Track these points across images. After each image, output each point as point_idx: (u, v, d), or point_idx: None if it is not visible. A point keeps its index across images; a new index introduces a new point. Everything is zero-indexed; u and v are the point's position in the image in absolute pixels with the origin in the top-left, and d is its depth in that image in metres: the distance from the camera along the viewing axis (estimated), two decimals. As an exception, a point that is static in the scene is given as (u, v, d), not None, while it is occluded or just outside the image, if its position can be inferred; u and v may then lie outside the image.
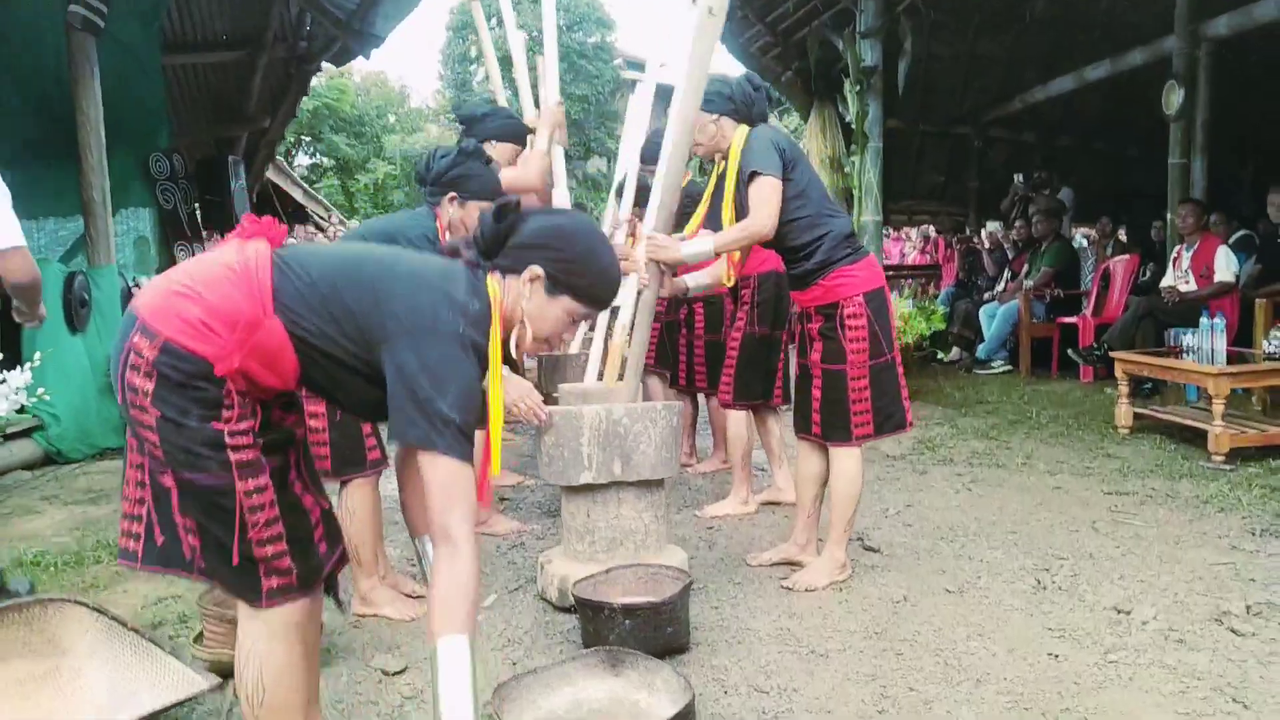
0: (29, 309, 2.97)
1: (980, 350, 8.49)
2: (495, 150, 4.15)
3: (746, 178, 3.13)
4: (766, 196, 3.07)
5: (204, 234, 9.01)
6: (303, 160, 32.91)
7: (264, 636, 1.83)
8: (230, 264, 1.78)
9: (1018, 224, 9.36)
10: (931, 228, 12.54)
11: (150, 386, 1.71)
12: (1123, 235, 9.40)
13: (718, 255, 3.29)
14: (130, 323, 1.75)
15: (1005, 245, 9.60)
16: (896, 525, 3.98)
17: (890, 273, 12.60)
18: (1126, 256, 7.98)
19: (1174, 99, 7.14)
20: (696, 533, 3.99)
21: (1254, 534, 3.66)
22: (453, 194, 3.08)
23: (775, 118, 21.94)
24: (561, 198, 4.44)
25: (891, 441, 5.65)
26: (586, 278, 1.92)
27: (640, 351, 3.32)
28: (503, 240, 1.89)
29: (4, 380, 3.70)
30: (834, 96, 8.53)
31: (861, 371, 3.19)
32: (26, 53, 6.91)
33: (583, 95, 33.78)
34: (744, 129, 3.24)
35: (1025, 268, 8.69)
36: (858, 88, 6.98)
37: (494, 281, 1.87)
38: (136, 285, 7.46)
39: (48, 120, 6.95)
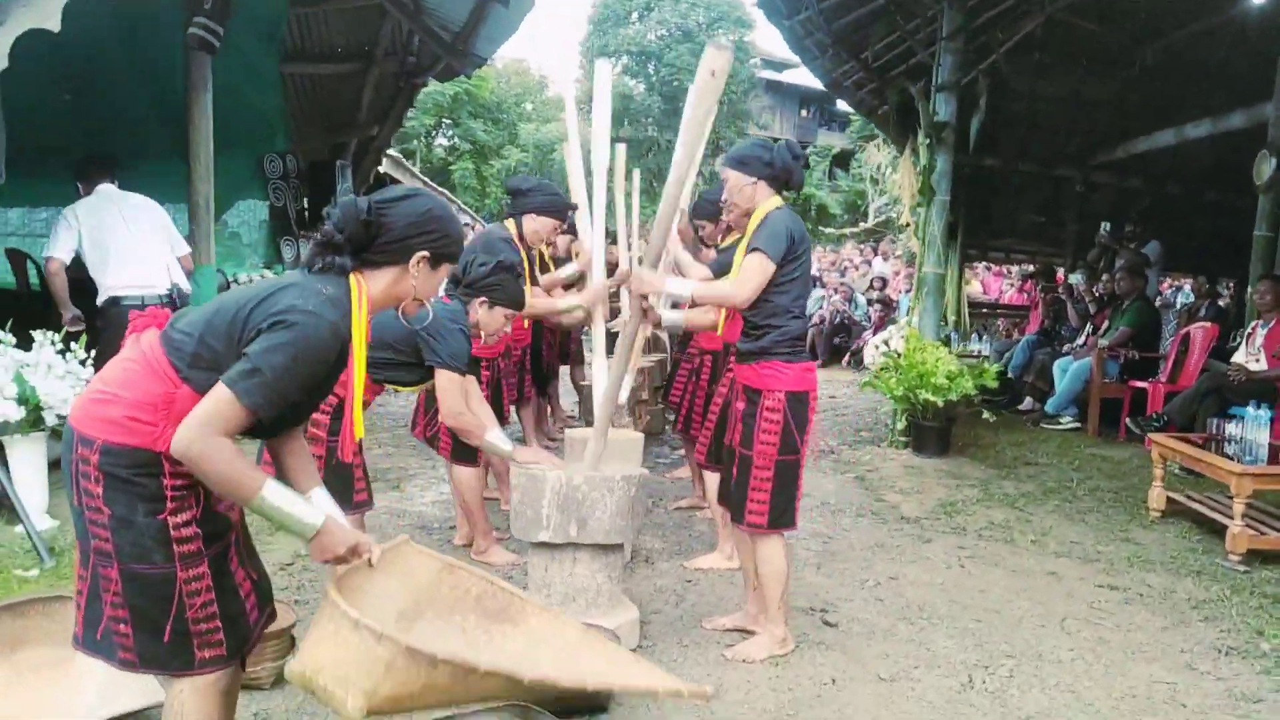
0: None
1: (1049, 404, 8.35)
2: (536, 223, 4.50)
3: (750, 248, 3.30)
4: (755, 273, 3.24)
5: (308, 231, 9.63)
6: (441, 142, 34.22)
7: (192, 694, 2.07)
8: (131, 359, 2.05)
9: (1104, 277, 9.12)
10: (1031, 267, 12.26)
11: (100, 490, 1.96)
12: (1227, 291, 9.04)
13: (694, 302, 3.47)
14: (70, 436, 2.02)
15: (1087, 299, 9.35)
16: (869, 600, 4.10)
17: (983, 310, 12.44)
18: (1207, 324, 7.72)
19: (1265, 169, 6.88)
20: (674, 584, 4.20)
21: (1219, 652, 3.63)
22: (483, 299, 3.49)
23: (875, 148, 21.50)
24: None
25: (914, 502, 5.72)
26: (455, 244, 2.24)
27: (613, 386, 3.51)
28: (373, 239, 2.12)
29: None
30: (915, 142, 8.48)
31: (766, 463, 3.36)
32: (154, 63, 7.56)
33: (715, 94, 33.91)
34: (775, 200, 3.39)
35: (1106, 324, 8.48)
36: (928, 141, 6.98)
37: (355, 279, 2.11)
38: (235, 280, 8.11)
39: (173, 124, 7.61)
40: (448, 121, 33.59)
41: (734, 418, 3.50)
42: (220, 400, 1.90)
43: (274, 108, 9.24)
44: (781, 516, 3.41)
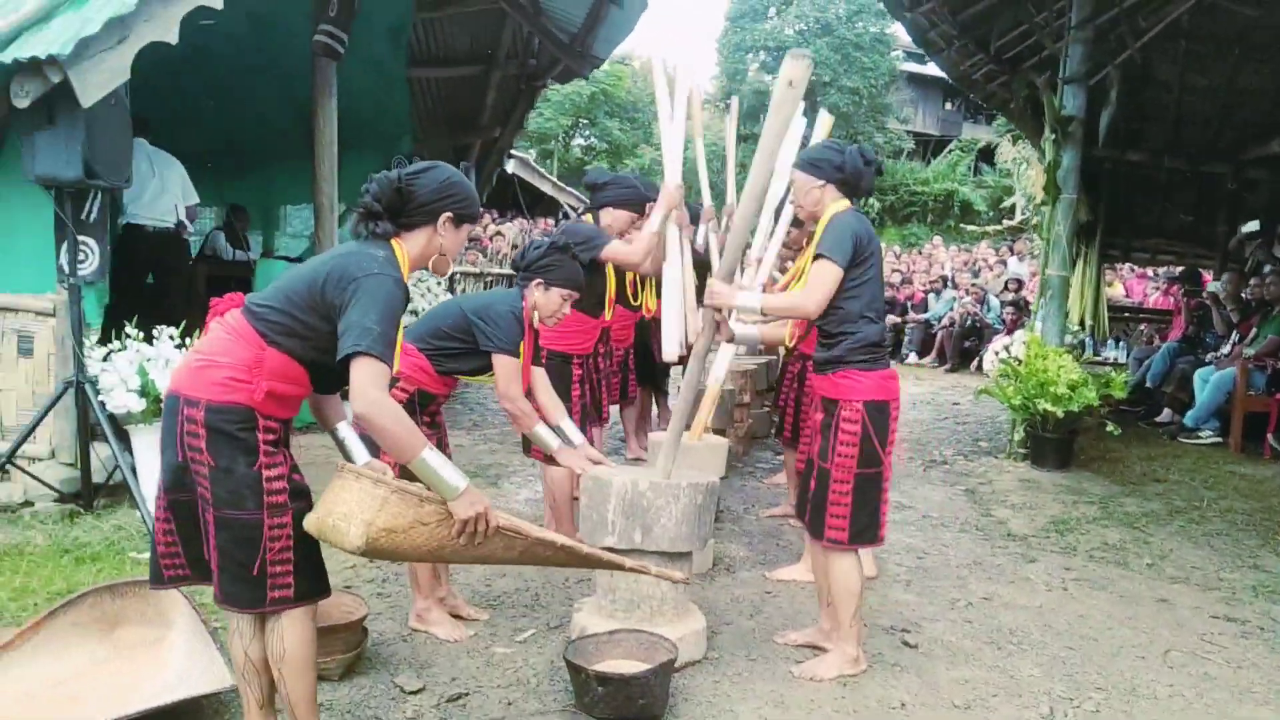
0: None
1: (1188, 417, 7.83)
2: (612, 216, 4.49)
3: (815, 255, 3.23)
4: (823, 280, 3.17)
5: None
6: (579, 142, 34.74)
7: (290, 624, 2.44)
8: (224, 332, 2.43)
9: (1252, 281, 8.47)
10: (1178, 270, 11.51)
11: (203, 444, 2.31)
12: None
13: (764, 314, 3.37)
14: (174, 401, 2.38)
15: (1229, 305, 8.69)
16: (957, 621, 3.92)
17: (1124, 314, 11.76)
18: (1369, 334, 7.07)
19: None
20: (752, 594, 4.12)
21: (1343, 697, 3.32)
22: (539, 280, 3.51)
23: (1008, 143, 20.42)
24: (673, 276, 4.51)
25: (1024, 518, 5.46)
26: (474, 205, 2.61)
27: (687, 400, 3.47)
28: (404, 206, 2.49)
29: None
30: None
31: (845, 476, 3.24)
32: (288, 69, 7.90)
33: (854, 88, 33.26)
34: (843, 203, 3.32)
35: (1253, 332, 7.88)
36: (1053, 136, 6.62)
37: (396, 243, 2.48)
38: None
39: (306, 127, 7.96)
40: (585, 121, 34.06)
41: (812, 429, 3.41)
42: (364, 364, 2.23)
43: (401, 110, 9.52)
44: (864, 532, 3.30)
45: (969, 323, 12.47)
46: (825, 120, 4.36)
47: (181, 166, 7.13)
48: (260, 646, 2.51)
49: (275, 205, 10.65)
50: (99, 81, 4.10)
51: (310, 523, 2.37)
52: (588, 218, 4.54)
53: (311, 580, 2.47)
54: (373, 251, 2.40)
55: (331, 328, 2.34)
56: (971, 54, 8.68)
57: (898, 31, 34.83)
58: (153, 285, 7.19)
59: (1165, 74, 9.19)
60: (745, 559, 4.59)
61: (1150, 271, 12.96)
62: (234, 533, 2.33)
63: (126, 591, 3.35)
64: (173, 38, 4.28)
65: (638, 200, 4.51)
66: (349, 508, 2.30)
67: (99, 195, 4.83)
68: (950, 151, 34.84)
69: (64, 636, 3.16)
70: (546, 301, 3.54)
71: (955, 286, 13.58)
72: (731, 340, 3.65)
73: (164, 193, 6.92)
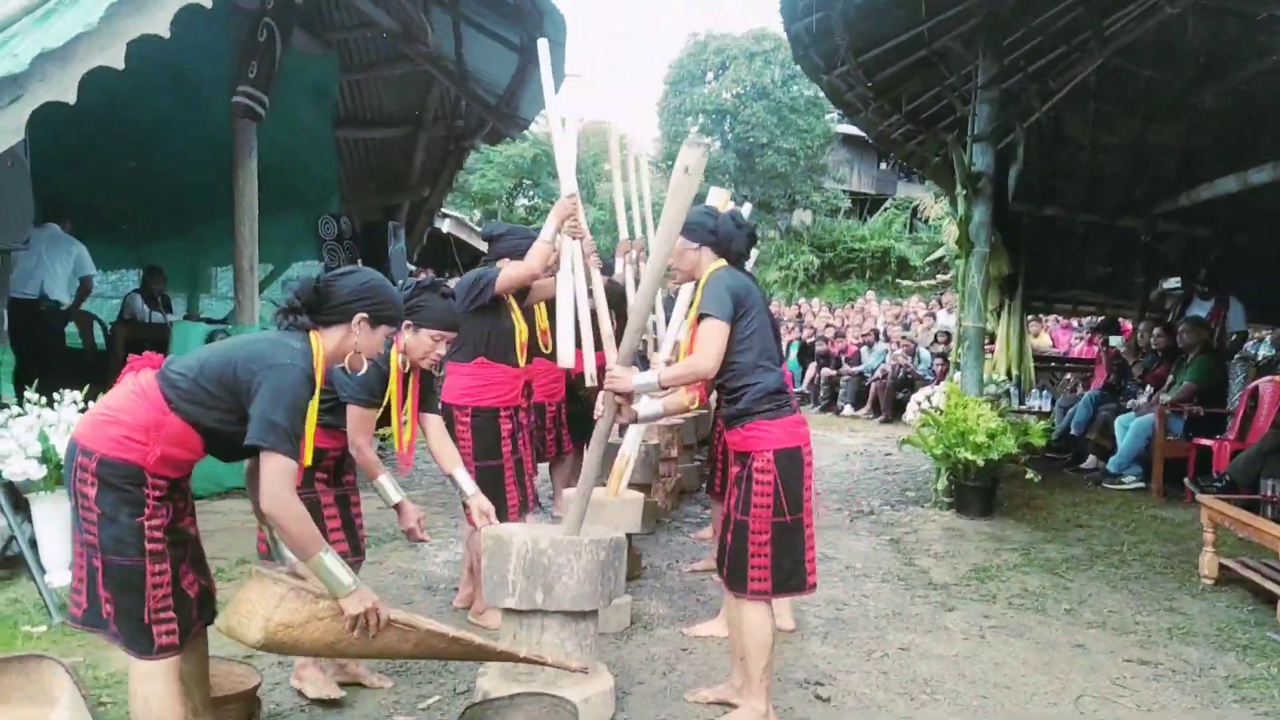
0: None
1: (1111, 463, 7.96)
2: (510, 268, 4.43)
3: (699, 316, 3.24)
4: (711, 338, 3.18)
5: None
6: (522, 203, 34.93)
7: (149, 676, 2.55)
8: (132, 390, 2.58)
9: (1155, 331, 8.71)
10: (1099, 320, 11.80)
11: (93, 492, 2.47)
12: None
13: (664, 388, 3.35)
14: (72, 449, 2.54)
15: (1141, 355, 8.92)
16: (872, 673, 3.88)
17: (1052, 364, 12.00)
18: (1278, 377, 7.27)
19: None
20: (668, 652, 4.05)
21: (1248, 737, 3.33)
22: (409, 321, 3.41)
23: (931, 199, 20.86)
24: (564, 282, 4.42)
25: (946, 566, 5.47)
26: (391, 308, 2.78)
27: (589, 479, 3.43)
28: (321, 304, 2.67)
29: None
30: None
31: (762, 526, 3.22)
32: (211, 130, 7.83)
33: (791, 149, 33.91)
34: (719, 263, 3.37)
35: (1170, 378, 8.08)
36: (964, 192, 6.79)
37: (314, 335, 2.66)
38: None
39: (223, 188, 7.87)
40: (528, 182, 34.30)
41: (729, 483, 3.38)
42: (271, 461, 2.42)
43: (328, 170, 9.51)
44: (789, 580, 3.26)
45: (901, 374, 12.63)
46: (719, 194, 4.40)
47: (80, 246, 7.50)
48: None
49: (202, 266, 10.53)
50: (-10, 140, 4.01)
51: (220, 623, 2.59)
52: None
53: (188, 625, 2.61)
54: (290, 342, 2.59)
55: (238, 404, 2.51)
56: (888, 114, 8.90)
57: (831, 94, 35.78)
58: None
59: (1076, 132, 9.52)
60: (664, 616, 4.53)
61: (1075, 322, 13.26)
62: (120, 579, 2.48)
63: (7, 668, 3.20)
64: (70, 97, 4.21)
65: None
66: (251, 606, 2.50)
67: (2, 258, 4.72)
68: (886, 209, 35.65)
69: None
70: (417, 343, 3.47)
71: (887, 339, 13.77)
72: (635, 420, 3.56)
73: (37, 266, 7.18)
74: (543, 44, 4.48)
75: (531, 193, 34.58)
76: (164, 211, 9.40)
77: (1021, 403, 9.72)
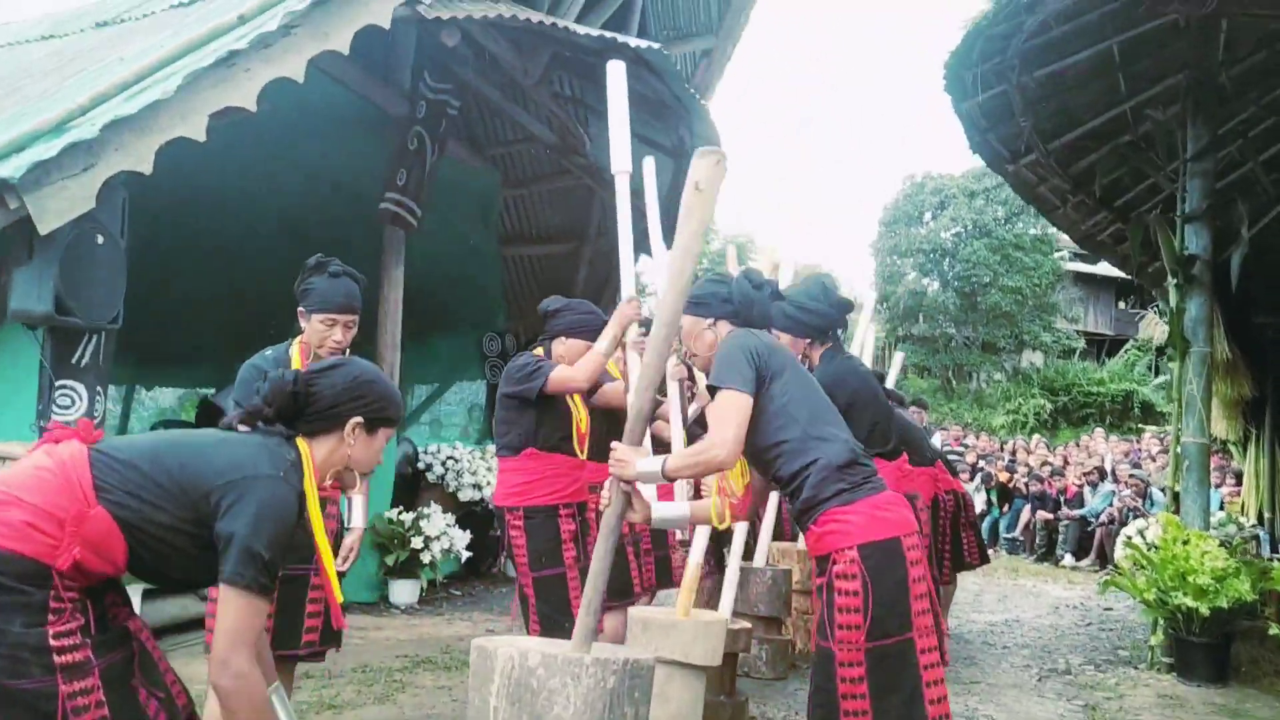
0: None
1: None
2: (565, 346, 3.84)
3: (710, 390, 2.56)
4: (727, 412, 2.44)
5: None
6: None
7: None
8: (45, 466, 1.90)
9: None
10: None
11: None
12: None
13: (669, 479, 2.59)
14: None
15: None
16: None
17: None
18: None
19: None
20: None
21: None
22: (300, 308, 3.05)
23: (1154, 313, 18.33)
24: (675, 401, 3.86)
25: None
26: (391, 409, 2.23)
27: (600, 576, 2.68)
28: (302, 410, 2.11)
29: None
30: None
31: (854, 656, 2.33)
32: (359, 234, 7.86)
33: (1016, 287, 32.25)
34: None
35: None
36: (1175, 280, 5.65)
37: (303, 445, 2.10)
38: (425, 451, 8.04)
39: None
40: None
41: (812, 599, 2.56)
42: (237, 604, 1.87)
43: (493, 287, 9.48)
44: None
45: (1130, 518, 10.92)
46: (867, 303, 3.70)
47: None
48: None
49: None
50: (59, 209, 3.93)
51: None
52: (539, 350, 3.92)
53: None
54: (283, 452, 2.05)
55: (194, 515, 1.93)
56: (1092, 211, 7.88)
57: (1060, 232, 33.97)
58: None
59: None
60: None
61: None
62: (27, 710, 1.76)
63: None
64: (146, 168, 4.12)
65: (595, 328, 3.86)
66: None
67: (93, 338, 4.64)
68: (1126, 351, 33.10)
69: None
70: (311, 331, 3.06)
71: (1115, 479, 12.08)
72: (649, 522, 2.78)
73: None
74: (648, 163, 4.02)
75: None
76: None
77: (1275, 550, 8.02)
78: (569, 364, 3.69)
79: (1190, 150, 5.75)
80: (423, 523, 6.86)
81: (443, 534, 6.92)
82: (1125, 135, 6.80)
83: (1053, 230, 33.60)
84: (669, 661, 3.43)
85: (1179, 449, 5.66)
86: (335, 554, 3.13)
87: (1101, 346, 35.62)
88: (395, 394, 2.28)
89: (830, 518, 2.40)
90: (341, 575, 2.96)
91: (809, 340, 3.53)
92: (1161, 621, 5.37)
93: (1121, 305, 38.82)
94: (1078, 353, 33.73)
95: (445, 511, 7.18)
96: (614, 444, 2.65)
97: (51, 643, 1.78)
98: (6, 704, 1.76)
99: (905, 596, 2.36)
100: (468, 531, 7.26)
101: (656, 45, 6.03)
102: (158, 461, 1.95)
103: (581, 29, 5.79)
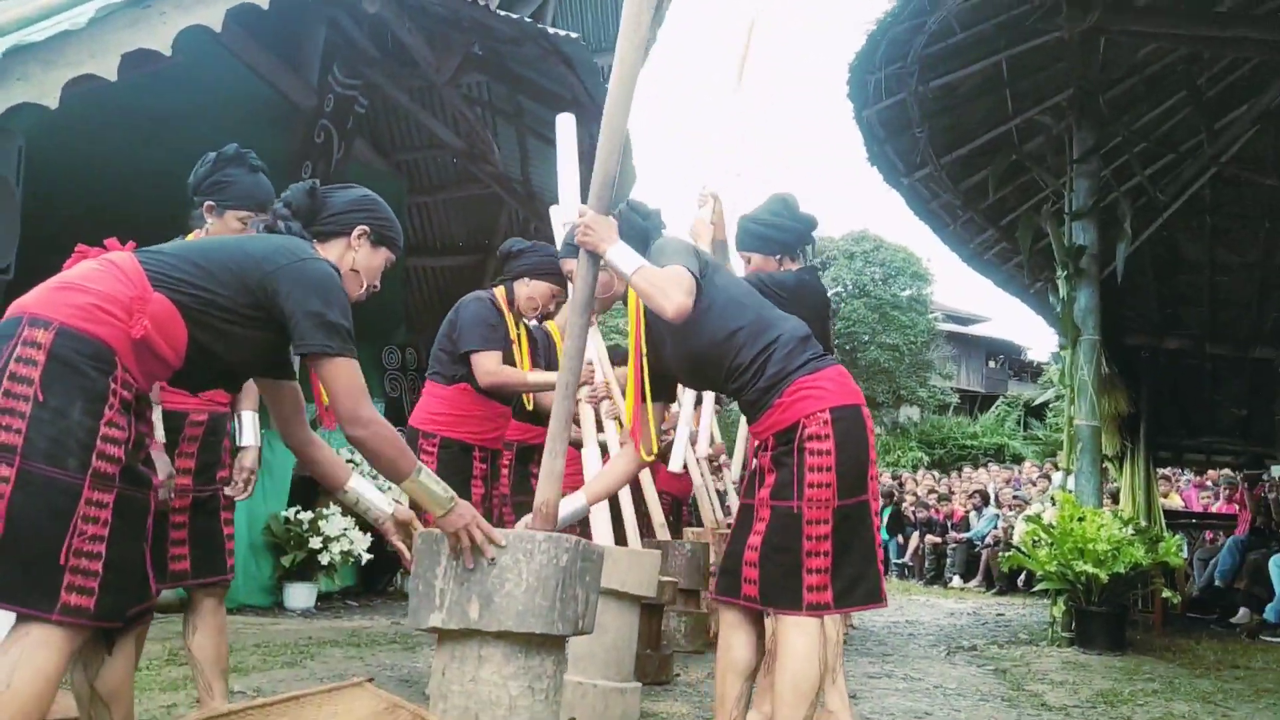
0: None
1: (1269, 610, 6.61)
2: (529, 287, 3.77)
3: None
4: (675, 278, 2.34)
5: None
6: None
7: (37, 644, 1.72)
8: (99, 266, 1.93)
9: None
10: (1237, 476, 10.40)
11: (38, 374, 1.75)
12: None
13: (632, 279, 2.40)
14: (14, 323, 1.80)
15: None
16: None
17: (1190, 520, 10.56)
18: None
19: None
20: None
21: None
22: (209, 202, 2.72)
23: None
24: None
25: (1065, 691, 4.33)
26: (394, 232, 2.31)
27: (559, 439, 2.58)
28: (316, 213, 2.21)
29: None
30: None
31: (822, 513, 2.34)
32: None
33: (894, 344, 33.42)
34: None
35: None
36: (1065, 271, 5.97)
37: (315, 246, 2.17)
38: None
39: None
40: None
41: (761, 470, 2.49)
42: (338, 369, 1.99)
43: (394, 299, 9.28)
44: (856, 586, 2.37)
45: (1014, 540, 11.32)
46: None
47: None
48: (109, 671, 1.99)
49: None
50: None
51: None
52: (499, 290, 3.85)
53: (117, 597, 1.82)
54: (301, 242, 2.14)
55: (250, 300, 1.98)
56: (979, 229, 8.27)
57: (934, 294, 35.47)
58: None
59: (1194, 253, 8.66)
60: (684, 715, 3.55)
61: (1208, 481, 11.82)
62: (40, 497, 1.72)
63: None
64: (52, 102, 3.90)
65: (559, 271, 3.82)
66: None
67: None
68: (997, 407, 34.56)
69: None
70: (222, 229, 2.72)
71: (999, 504, 12.51)
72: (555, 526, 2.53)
73: None
74: (563, 118, 3.76)
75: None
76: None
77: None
78: (533, 307, 3.67)
79: (1076, 151, 6.13)
80: (321, 523, 6.59)
81: (342, 534, 6.65)
82: (1013, 155, 7.19)
83: (928, 290, 35.26)
84: (605, 591, 3.38)
85: (1072, 430, 5.93)
86: (207, 479, 2.90)
87: (974, 402, 37.08)
88: (397, 222, 2.36)
89: (801, 385, 2.41)
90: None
91: (778, 257, 3.45)
92: (1061, 597, 5.56)
93: (992, 364, 40.68)
94: (952, 408, 35.08)
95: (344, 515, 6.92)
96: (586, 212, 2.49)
97: (99, 440, 1.78)
98: (24, 486, 1.71)
99: (866, 460, 2.40)
100: (368, 535, 7.00)
101: (575, 35, 6.09)
102: (206, 255, 2.01)
103: (501, 12, 5.81)
